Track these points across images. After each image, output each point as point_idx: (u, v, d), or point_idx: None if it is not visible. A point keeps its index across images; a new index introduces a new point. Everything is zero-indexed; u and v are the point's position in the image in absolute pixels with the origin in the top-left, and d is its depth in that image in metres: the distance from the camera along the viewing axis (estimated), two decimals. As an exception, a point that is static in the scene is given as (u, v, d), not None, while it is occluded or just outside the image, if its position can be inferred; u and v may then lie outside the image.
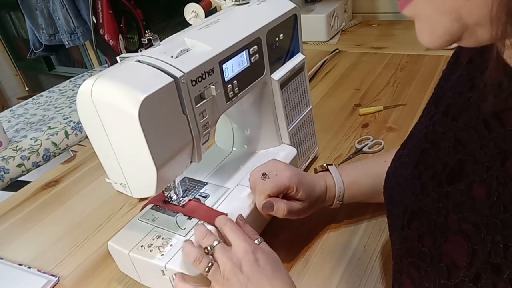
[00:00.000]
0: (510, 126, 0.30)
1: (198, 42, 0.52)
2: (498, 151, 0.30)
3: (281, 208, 0.53)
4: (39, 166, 1.37)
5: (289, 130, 0.69)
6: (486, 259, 0.28)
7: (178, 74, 0.46)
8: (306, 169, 0.76)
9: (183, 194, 0.61)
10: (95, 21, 1.72)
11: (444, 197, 0.34)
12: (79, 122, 1.48)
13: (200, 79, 0.49)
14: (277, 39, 0.62)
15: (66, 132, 1.45)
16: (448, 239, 0.32)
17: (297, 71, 0.68)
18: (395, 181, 0.44)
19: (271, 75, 0.64)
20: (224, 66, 0.53)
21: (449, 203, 0.33)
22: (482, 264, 0.29)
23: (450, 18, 0.27)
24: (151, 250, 0.54)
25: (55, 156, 1.42)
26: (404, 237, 0.39)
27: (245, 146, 0.71)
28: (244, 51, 0.56)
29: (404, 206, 0.40)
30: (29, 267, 0.64)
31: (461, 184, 0.33)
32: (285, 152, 0.69)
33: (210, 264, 0.47)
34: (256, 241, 0.50)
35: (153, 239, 0.55)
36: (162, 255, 0.53)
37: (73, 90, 1.81)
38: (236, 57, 0.55)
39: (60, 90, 1.83)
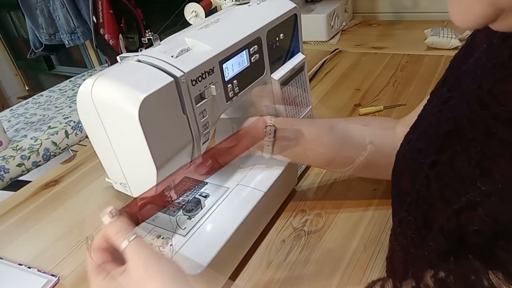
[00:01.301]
0: (504, 106, 0.30)
1: (198, 41, 0.52)
2: (485, 127, 0.31)
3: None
4: (39, 165, 1.37)
5: (289, 130, 0.69)
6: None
7: (178, 73, 0.46)
8: (305, 169, 0.76)
9: (183, 194, 0.61)
10: (95, 21, 1.72)
11: (429, 167, 0.36)
12: (79, 122, 1.48)
13: (200, 78, 0.49)
14: (277, 39, 0.62)
15: (66, 131, 1.45)
16: (431, 207, 0.34)
17: (297, 71, 0.68)
18: (404, 165, 0.44)
19: (271, 75, 0.63)
20: (224, 65, 0.53)
21: (432, 173, 0.35)
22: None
23: (485, 2, 0.26)
24: (151, 250, 0.54)
25: (55, 155, 1.42)
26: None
27: (245, 146, 0.71)
28: (244, 51, 0.56)
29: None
30: (29, 267, 0.64)
31: (444, 155, 0.34)
32: (285, 152, 0.69)
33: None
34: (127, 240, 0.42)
35: (153, 239, 0.55)
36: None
37: (73, 89, 1.81)
38: (236, 56, 0.55)
39: (60, 89, 1.83)
